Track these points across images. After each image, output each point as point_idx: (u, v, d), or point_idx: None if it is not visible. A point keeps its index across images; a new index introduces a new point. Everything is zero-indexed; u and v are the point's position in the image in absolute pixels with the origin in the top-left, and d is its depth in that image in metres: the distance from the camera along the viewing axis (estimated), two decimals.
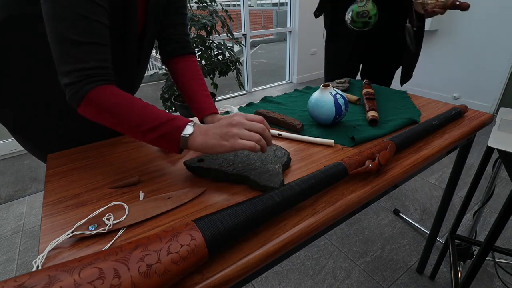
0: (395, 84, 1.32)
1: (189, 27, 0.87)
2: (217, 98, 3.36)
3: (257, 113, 0.84)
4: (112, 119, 0.51)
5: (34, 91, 0.65)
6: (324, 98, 0.73)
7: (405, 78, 1.30)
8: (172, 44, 0.76)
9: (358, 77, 1.46)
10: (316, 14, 1.33)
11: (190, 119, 0.53)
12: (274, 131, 0.75)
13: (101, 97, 0.50)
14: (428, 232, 1.19)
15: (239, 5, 3.33)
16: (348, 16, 1.02)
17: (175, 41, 0.76)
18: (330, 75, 1.44)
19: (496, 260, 1.26)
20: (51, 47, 0.49)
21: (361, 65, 1.43)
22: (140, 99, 0.53)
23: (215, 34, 2.34)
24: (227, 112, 0.87)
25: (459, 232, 1.39)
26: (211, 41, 2.33)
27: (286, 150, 0.62)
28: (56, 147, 0.70)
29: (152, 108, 0.52)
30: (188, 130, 0.50)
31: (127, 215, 0.45)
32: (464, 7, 0.89)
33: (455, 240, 1.12)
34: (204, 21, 2.15)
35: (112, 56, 0.57)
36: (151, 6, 0.65)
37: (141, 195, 0.52)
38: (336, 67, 1.40)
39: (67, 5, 0.46)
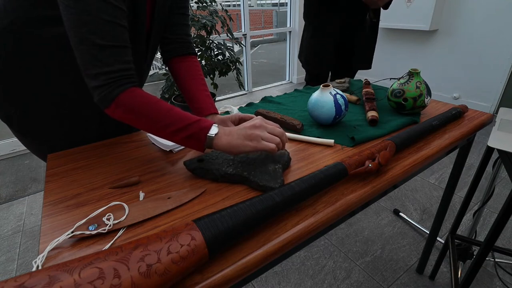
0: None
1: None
2: (217, 98, 3.36)
3: (257, 113, 0.84)
4: (140, 120, 0.53)
5: (42, 92, 0.66)
6: (324, 98, 0.73)
7: (364, 65, 1.51)
8: (174, 44, 0.76)
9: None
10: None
11: (213, 121, 0.55)
12: None
13: (131, 99, 0.52)
14: (428, 232, 1.19)
15: (239, 5, 3.33)
16: (388, 90, 0.87)
17: (176, 41, 0.76)
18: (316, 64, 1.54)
19: (496, 260, 1.26)
20: (75, 51, 0.51)
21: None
22: (166, 101, 0.55)
23: (215, 34, 2.34)
24: (227, 112, 0.87)
25: (459, 232, 1.39)
26: (211, 41, 2.32)
27: (286, 150, 0.62)
28: (60, 147, 0.70)
29: (178, 110, 0.54)
30: (214, 130, 0.53)
31: (127, 215, 0.45)
32: None
33: (455, 240, 1.12)
34: (204, 21, 2.15)
35: None
36: (158, 7, 0.66)
37: (141, 195, 0.52)
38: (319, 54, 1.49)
39: (91, 11, 0.48)
